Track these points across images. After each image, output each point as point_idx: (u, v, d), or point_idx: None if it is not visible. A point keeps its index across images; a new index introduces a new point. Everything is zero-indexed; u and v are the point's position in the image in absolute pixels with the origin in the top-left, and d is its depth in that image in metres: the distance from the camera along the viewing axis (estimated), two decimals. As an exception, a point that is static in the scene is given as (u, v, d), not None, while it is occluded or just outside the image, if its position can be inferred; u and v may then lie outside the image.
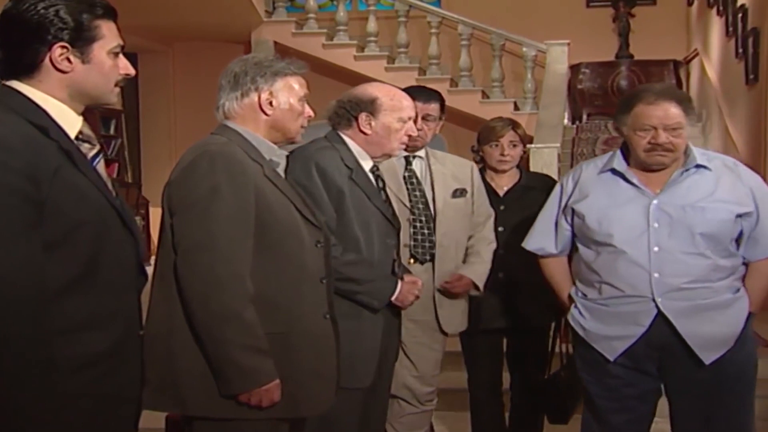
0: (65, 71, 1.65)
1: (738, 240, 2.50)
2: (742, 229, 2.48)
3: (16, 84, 1.66)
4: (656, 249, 2.43)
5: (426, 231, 2.92)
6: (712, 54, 7.61)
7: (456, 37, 7.98)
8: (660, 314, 2.45)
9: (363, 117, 2.58)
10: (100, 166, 1.72)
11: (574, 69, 8.09)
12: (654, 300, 2.45)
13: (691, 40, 8.63)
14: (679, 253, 2.43)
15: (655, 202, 2.45)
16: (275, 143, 2.16)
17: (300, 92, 2.16)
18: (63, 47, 1.63)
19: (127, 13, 7.37)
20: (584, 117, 8.12)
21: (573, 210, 2.57)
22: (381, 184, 2.62)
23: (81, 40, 1.65)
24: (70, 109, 1.68)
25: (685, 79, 8.53)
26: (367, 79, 6.94)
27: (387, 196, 2.64)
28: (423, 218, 2.93)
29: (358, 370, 2.42)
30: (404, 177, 2.96)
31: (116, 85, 1.72)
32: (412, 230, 2.92)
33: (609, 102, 8.20)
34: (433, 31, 7.97)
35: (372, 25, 8.06)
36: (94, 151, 1.72)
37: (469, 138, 7.27)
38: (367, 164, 2.60)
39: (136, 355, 1.76)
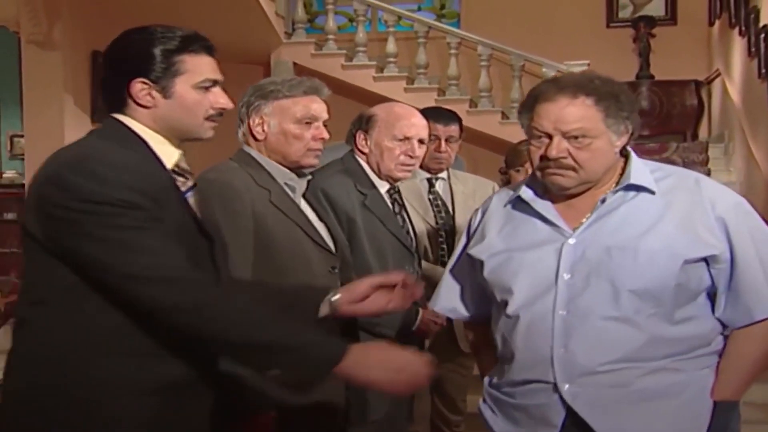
0: (147, 106, 1.67)
1: (711, 295, 1.78)
2: (712, 279, 1.74)
3: (119, 116, 1.70)
4: (563, 312, 1.71)
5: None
6: (735, 74, 7.54)
7: (475, 57, 7.97)
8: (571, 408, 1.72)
9: (360, 135, 2.49)
10: (192, 200, 1.73)
11: (594, 89, 8.06)
12: (557, 388, 1.72)
13: (712, 60, 8.55)
14: (598, 318, 1.70)
15: (571, 242, 1.74)
16: (285, 167, 2.14)
17: (298, 114, 2.13)
18: (143, 83, 1.65)
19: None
20: (604, 137, 8.09)
21: (470, 257, 1.90)
22: (397, 208, 2.53)
23: (161, 76, 1.65)
24: (167, 141, 1.70)
25: (707, 100, 8.46)
26: (386, 100, 6.99)
27: (405, 220, 2.56)
28: (451, 240, 2.90)
29: (372, 402, 2.33)
30: (429, 200, 2.94)
31: (208, 119, 1.70)
32: (440, 252, 2.89)
33: None
34: (452, 51, 7.96)
35: (391, 46, 8.03)
36: (189, 185, 1.73)
37: (489, 158, 7.32)
38: (383, 186, 2.51)
39: (211, 388, 1.72)
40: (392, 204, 2.53)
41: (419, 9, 9.33)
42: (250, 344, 1.56)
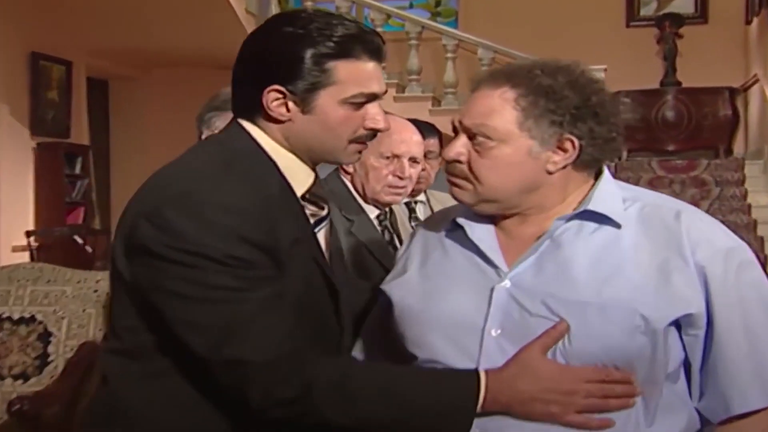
0: (281, 120, 1.56)
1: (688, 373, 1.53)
2: (685, 351, 1.51)
3: (247, 124, 1.60)
4: None
5: None
6: (775, 80, 7.65)
7: (475, 61, 8.01)
8: None
9: None
10: (322, 234, 1.64)
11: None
12: None
13: (749, 64, 8.61)
14: None
15: (505, 285, 1.53)
16: None
17: None
18: (278, 91, 1.54)
19: (96, 34, 7.54)
20: (624, 153, 8.05)
21: (383, 294, 1.71)
22: (388, 236, 2.54)
23: (303, 85, 1.53)
24: (302, 163, 1.60)
25: (743, 110, 8.51)
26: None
27: (398, 249, 2.58)
28: None
29: None
30: (412, 228, 2.95)
31: (354, 141, 1.58)
32: None
33: (653, 136, 8.23)
34: (449, 55, 8.02)
35: (378, 49, 8.15)
36: (321, 215, 1.64)
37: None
38: (372, 212, 2.49)
39: None
40: (383, 231, 2.52)
41: (411, 6, 9.42)
42: (369, 424, 1.48)
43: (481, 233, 1.59)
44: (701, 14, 8.92)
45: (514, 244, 1.56)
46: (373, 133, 1.59)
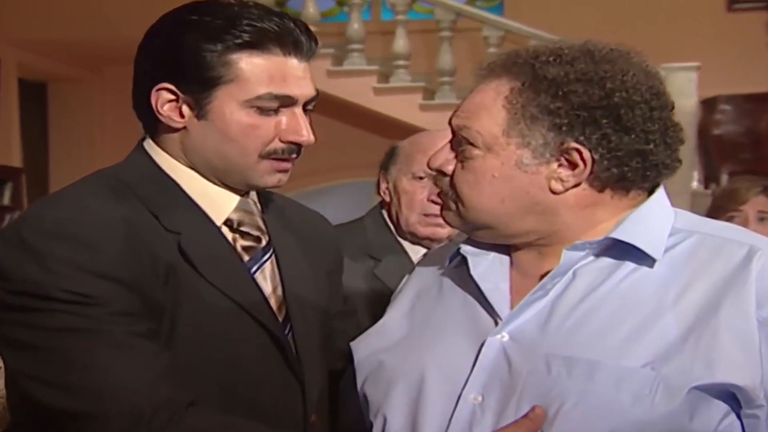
0: (174, 128, 1.64)
1: None
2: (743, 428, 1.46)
3: (148, 144, 1.71)
4: None
5: None
6: None
7: (528, 59, 7.98)
8: None
9: (381, 177, 2.66)
10: (264, 273, 1.72)
11: (708, 105, 8.02)
12: None
13: None
14: None
15: (501, 338, 1.52)
16: None
17: None
18: (169, 91, 1.62)
19: (30, 22, 7.54)
20: (724, 177, 8.00)
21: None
22: None
23: (196, 82, 1.61)
24: (214, 185, 1.69)
25: None
26: (394, 122, 6.89)
27: None
28: None
29: None
30: None
31: (268, 157, 1.66)
32: None
33: (763, 154, 8.17)
34: (491, 50, 7.80)
35: (401, 43, 7.98)
36: (258, 249, 1.71)
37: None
38: (415, 251, 2.54)
39: None
40: None
41: (443, -12, 9.42)
42: None
43: (487, 268, 1.59)
44: (832, -10, 8.57)
45: (528, 286, 1.54)
46: (295, 147, 1.64)
